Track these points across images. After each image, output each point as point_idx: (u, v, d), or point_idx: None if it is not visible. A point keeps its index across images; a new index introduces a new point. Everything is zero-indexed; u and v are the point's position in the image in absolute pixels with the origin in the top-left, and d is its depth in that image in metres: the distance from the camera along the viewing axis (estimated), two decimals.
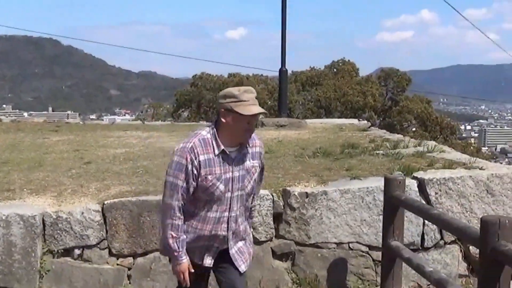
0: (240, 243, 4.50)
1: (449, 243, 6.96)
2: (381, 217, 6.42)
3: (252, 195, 4.58)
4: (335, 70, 34.10)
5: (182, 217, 4.22)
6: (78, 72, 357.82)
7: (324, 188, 6.74)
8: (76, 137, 12.12)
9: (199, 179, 4.13)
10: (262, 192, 6.59)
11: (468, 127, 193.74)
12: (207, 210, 4.25)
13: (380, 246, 6.35)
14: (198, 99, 31.05)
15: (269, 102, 28.37)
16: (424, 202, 6.71)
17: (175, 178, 4.15)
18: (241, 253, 4.50)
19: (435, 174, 7.15)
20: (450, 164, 7.70)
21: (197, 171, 4.10)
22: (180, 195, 4.16)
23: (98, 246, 6.41)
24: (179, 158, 4.15)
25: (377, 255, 6.55)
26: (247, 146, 4.29)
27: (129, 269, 6.45)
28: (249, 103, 4.05)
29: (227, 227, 4.31)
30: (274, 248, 6.65)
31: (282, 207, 6.66)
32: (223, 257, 4.44)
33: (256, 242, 6.54)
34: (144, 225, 6.41)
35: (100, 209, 6.44)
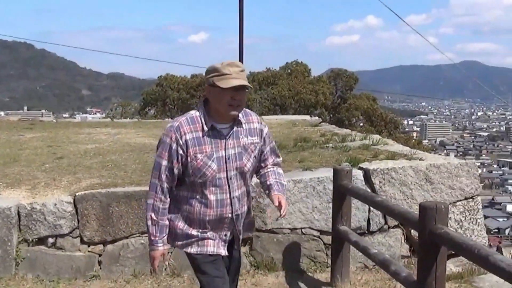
0: (244, 222, 4.06)
1: (392, 227, 7.04)
2: (330, 205, 6.48)
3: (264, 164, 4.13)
4: (289, 71, 34.18)
5: (165, 200, 3.81)
6: (51, 74, 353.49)
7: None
8: (50, 134, 12.00)
9: (189, 159, 3.70)
10: None
11: (410, 122, 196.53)
12: (206, 194, 3.77)
13: (330, 230, 6.40)
14: (163, 98, 30.88)
15: None
16: (369, 190, 6.78)
17: (159, 157, 3.78)
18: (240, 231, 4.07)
19: (379, 164, 7.23)
20: (393, 156, 7.79)
21: (183, 150, 3.69)
22: (164, 175, 3.76)
23: (71, 234, 6.36)
24: (164, 137, 3.78)
25: (328, 239, 6.61)
26: (242, 122, 3.85)
27: (100, 255, 6.42)
28: (231, 77, 3.62)
29: (231, 209, 3.85)
30: None
31: None
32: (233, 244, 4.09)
33: None
34: (113, 215, 6.38)
35: (72, 201, 6.40)
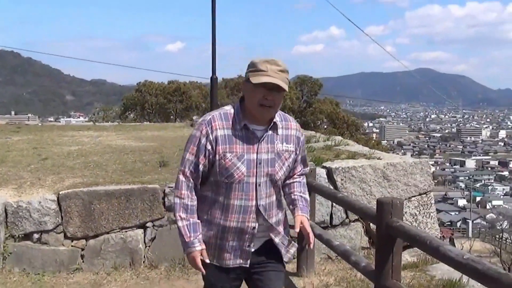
0: (276, 237, 3.33)
1: (353, 221, 7.13)
2: None
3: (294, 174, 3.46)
4: None
5: (193, 196, 3.22)
6: (37, 80, 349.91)
7: None
8: (35, 137, 11.89)
9: (217, 157, 3.12)
10: None
11: (371, 124, 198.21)
12: (230, 197, 3.16)
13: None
14: (142, 103, 30.71)
15: (204, 105, 28.26)
16: (332, 187, 6.84)
17: (186, 152, 3.22)
18: (282, 244, 3.38)
19: (341, 163, 7.33)
20: (353, 155, 7.89)
21: (212, 147, 3.13)
22: (189, 171, 3.19)
23: (55, 230, 6.29)
24: (195, 131, 3.23)
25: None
26: (278, 127, 3.23)
27: (82, 249, 6.36)
28: (265, 74, 3.03)
29: (256, 218, 3.18)
30: None
31: None
32: (259, 255, 3.32)
33: None
34: (94, 212, 6.33)
35: (55, 199, 6.33)
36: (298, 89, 34.08)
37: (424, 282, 5.83)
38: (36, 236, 6.28)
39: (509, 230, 40.70)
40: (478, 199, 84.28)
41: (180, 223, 3.17)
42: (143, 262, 6.43)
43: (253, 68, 3.10)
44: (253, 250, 3.25)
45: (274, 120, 3.18)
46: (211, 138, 3.12)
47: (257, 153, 3.14)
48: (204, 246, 3.18)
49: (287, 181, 3.46)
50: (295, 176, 3.48)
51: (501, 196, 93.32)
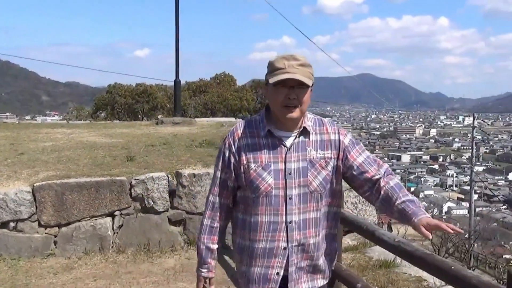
0: (307, 263, 2.59)
1: None
2: None
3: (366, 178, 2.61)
4: (218, 80, 34.15)
5: (217, 217, 2.66)
6: (15, 82, 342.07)
7: (207, 170, 6.77)
8: (12, 134, 11.60)
9: (242, 169, 2.55)
10: (159, 174, 6.57)
11: None
12: (258, 214, 2.53)
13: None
14: (112, 103, 30.34)
15: (168, 105, 28.08)
16: None
17: (215, 168, 2.69)
18: (305, 273, 2.61)
19: None
20: None
21: (235, 158, 2.57)
22: (217, 188, 2.65)
23: (30, 219, 6.19)
24: (221, 144, 2.70)
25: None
26: (310, 132, 2.57)
27: (55, 236, 6.27)
28: (284, 71, 2.44)
29: (287, 236, 2.51)
30: (170, 217, 6.63)
31: (176, 185, 6.65)
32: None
33: (156, 212, 6.54)
34: (66, 202, 6.25)
35: (30, 190, 6.22)
36: (253, 91, 34.13)
37: (363, 262, 5.93)
38: (12, 224, 6.15)
39: (439, 216, 41.59)
40: (412, 189, 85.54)
41: (198, 244, 2.71)
42: (112, 247, 6.39)
43: (270, 68, 2.53)
44: (291, 278, 2.56)
45: (304, 125, 2.56)
46: (234, 150, 2.57)
47: (285, 162, 2.51)
48: (212, 275, 2.70)
49: (374, 194, 2.61)
50: (377, 183, 2.60)
51: (432, 187, 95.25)
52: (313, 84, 2.51)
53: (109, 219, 6.40)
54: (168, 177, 6.63)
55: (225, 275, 5.71)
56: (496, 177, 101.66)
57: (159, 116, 17.11)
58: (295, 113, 2.48)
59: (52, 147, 9.15)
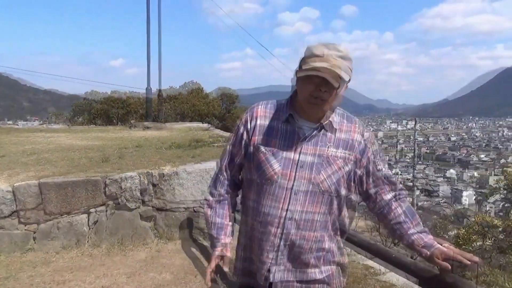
0: (300, 268, 2.15)
1: None
2: None
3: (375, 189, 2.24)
4: (187, 88, 34.06)
5: (224, 192, 2.30)
6: None
7: (176, 170, 6.73)
8: None
9: (251, 149, 2.17)
10: (131, 174, 6.50)
11: None
12: (259, 201, 2.14)
13: None
14: (89, 109, 29.96)
15: (141, 111, 27.81)
16: None
17: (228, 141, 2.35)
18: (291, 276, 2.16)
19: None
20: None
21: (248, 136, 2.20)
22: (226, 163, 2.30)
23: (10, 216, 6.02)
24: (238, 120, 2.32)
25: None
26: (334, 127, 2.15)
27: (34, 232, 6.12)
28: (321, 59, 1.97)
29: (282, 232, 2.09)
30: (141, 213, 6.56)
31: (146, 184, 6.59)
32: None
33: (128, 209, 6.46)
34: (44, 200, 6.11)
35: (11, 190, 6.05)
36: (219, 98, 34.16)
37: None
38: None
39: None
40: None
41: (205, 209, 2.35)
42: (87, 242, 6.28)
43: (307, 52, 2.05)
44: (279, 279, 2.15)
45: (330, 118, 2.13)
46: (249, 127, 2.20)
47: (299, 153, 2.09)
48: (227, 253, 2.25)
49: (387, 216, 2.25)
50: (389, 202, 2.25)
51: None
52: (349, 80, 2.06)
53: (85, 216, 6.30)
54: (139, 177, 6.56)
55: (192, 265, 5.70)
56: (436, 175, 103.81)
57: (132, 121, 16.94)
58: (323, 107, 2.07)
59: (32, 150, 8.96)
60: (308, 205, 2.07)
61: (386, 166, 2.26)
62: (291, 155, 2.09)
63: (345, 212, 2.21)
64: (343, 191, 2.13)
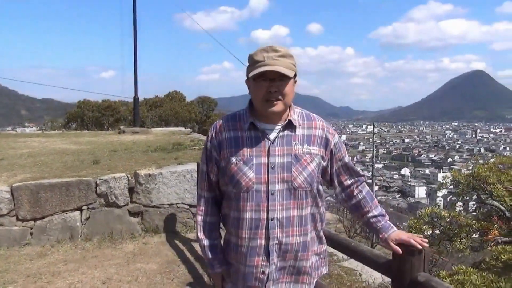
0: (290, 263, 2.07)
1: None
2: (196, 187, 6.46)
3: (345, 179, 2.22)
4: (170, 97, 33.83)
5: (212, 211, 2.17)
6: None
7: (160, 171, 6.68)
8: None
9: (223, 163, 2.06)
10: (120, 174, 6.43)
11: None
12: (240, 210, 2.03)
13: (195, 204, 6.40)
14: (82, 116, 29.53)
15: (129, 118, 27.52)
16: None
17: (201, 161, 2.21)
18: (289, 274, 2.09)
19: None
20: None
21: (217, 152, 2.08)
22: (205, 182, 2.17)
23: (9, 214, 5.89)
24: (206, 138, 2.19)
25: (194, 210, 6.60)
26: (296, 126, 2.06)
27: (31, 228, 6.00)
28: (262, 63, 1.93)
29: (268, 233, 2.00)
30: (130, 209, 6.49)
31: (134, 183, 6.52)
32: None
33: (117, 206, 6.38)
34: (41, 199, 5.99)
35: (9, 190, 5.93)
36: (199, 106, 34.02)
37: None
38: None
39: None
40: None
41: (200, 243, 2.20)
42: (80, 236, 6.18)
43: (250, 61, 2.01)
44: (275, 277, 2.06)
45: (290, 118, 2.05)
46: (215, 143, 2.09)
47: (268, 156, 2.00)
48: (224, 267, 2.18)
49: (348, 202, 2.26)
50: (351, 190, 2.24)
51: None
52: (295, 75, 2.01)
53: (77, 213, 6.20)
54: (127, 177, 6.49)
55: (175, 256, 5.66)
56: (392, 172, 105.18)
57: (121, 127, 16.73)
58: (278, 107, 1.99)
59: (29, 153, 8.79)
60: (286, 203, 2.00)
61: (347, 156, 2.21)
62: (261, 159, 2.00)
63: (322, 203, 2.16)
64: (315, 184, 2.07)
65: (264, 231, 2.00)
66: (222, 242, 2.21)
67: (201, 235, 2.17)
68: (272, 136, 2.03)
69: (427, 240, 2.11)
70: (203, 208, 2.17)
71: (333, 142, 2.13)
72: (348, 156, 2.21)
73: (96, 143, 10.74)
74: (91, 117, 29.37)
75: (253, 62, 1.97)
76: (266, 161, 1.99)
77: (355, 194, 2.21)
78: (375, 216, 2.19)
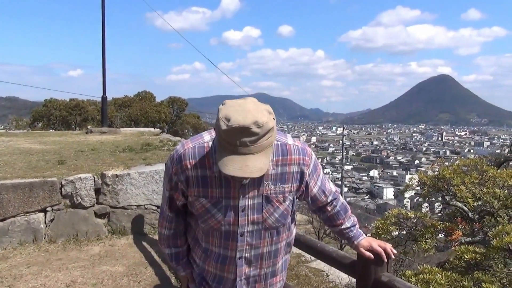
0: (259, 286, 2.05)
1: None
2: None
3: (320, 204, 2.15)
4: (140, 97, 33.43)
5: (172, 225, 2.08)
6: None
7: (128, 171, 6.58)
8: None
9: (190, 199, 1.94)
10: (86, 175, 6.30)
11: None
12: (209, 242, 1.98)
13: None
14: (48, 116, 28.87)
15: (98, 117, 27.07)
16: None
17: (163, 185, 2.05)
18: None
19: None
20: None
21: (184, 186, 1.92)
22: (167, 206, 2.05)
23: None
24: (168, 161, 1.99)
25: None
26: (275, 164, 1.89)
27: None
28: (231, 153, 1.68)
29: (235, 270, 1.97)
30: (96, 211, 6.37)
31: (101, 184, 6.40)
32: None
33: (83, 207, 6.25)
34: (3, 201, 5.78)
35: None
36: (170, 106, 33.72)
37: None
38: None
39: None
40: None
41: (165, 251, 2.19)
42: (44, 238, 6.03)
43: (219, 129, 1.70)
44: None
45: None
46: (182, 179, 1.91)
47: (238, 198, 1.87)
48: (189, 270, 2.17)
49: (322, 216, 2.21)
50: (325, 209, 2.17)
51: None
52: (273, 127, 1.78)
53: (41, 214, 6.03)
54: (94, 177, 6.36)
55: (143, 258, 5.58)
56: (361, 174, 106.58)
57: (89, 126, 16.42)
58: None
59: None
60: (256, 243, 1.93)
61: (320, 178, 2.07)
62: (231, 202, 1.87)
63: (293, 228, 2.13)
64: (289, 220, 2.00)
65: (232, 266, 1.96)
66: (193, 262, 2.16)
67: (163, 246, 2.15)
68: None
69: (396, 252, 2.18)
70: (167, 224, 2.09)
71: (308, 172, 1.98)
72: (323, 173, 2.10)
73: (63, 143, 10.50)
74: (58, 117, 28.77)
75: (222, 139, 1.71)
76: (236, 204, 1.87)
77: (329, 210, 2.16)
78: (347, 228, 2.20)
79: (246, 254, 1.93)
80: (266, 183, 1.88)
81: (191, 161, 1.87)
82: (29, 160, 7.60)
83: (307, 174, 1.97)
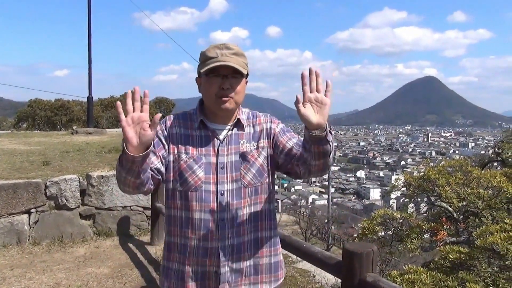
0: (246, 264, 1.96)
1: None
2: None
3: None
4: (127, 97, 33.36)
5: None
6: None
7: (114, 172, 6.54)
8: None
9: (171, 157, 1.94)
10: (71, 176, 6.23)
11: None
12: (189, 209, 1.93)
13: (150, 207, 6.29)
14: (33, 116, 28.58)
15: (84, 118, 26.86)
16: None
17: None
18: (246, 275, 1.98)
19: None
20: None
21: (167, 142, 1.94)
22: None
23: None
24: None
25: (149, 212, 6.49)
26: (244, 125, 2.02)
27: None
28: (216, 60, 1.88)
29: (218, 233, 1.90)
30: (81, 212, 6.31)
31: (86, 185, 6.34)
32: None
33: (68, 209, 6.18)
34: None
35: None
36: (157, 107, 33.57)
37: None
38: None
39: (305, 206, 43.03)
40: (285, 185, 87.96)
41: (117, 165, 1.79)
42: (28, 240, 5.95)
43: (202, 58, 1.94)
44: (230, 280, 1.94)
45: (238, 116, 2.01)
46: (165, 134, 1.95)
47: (217, 156, 1.94)
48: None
49: (305, 165, 1.89)
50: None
51: (300, 183, 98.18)
52: (247, 74, 1.99)
53: (25, 216, 5.96)
54: (79, 178, 6.30)
55: (128, 260, 5.54)
56: (348, 175, 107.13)
57: (74, 127, 16.28)
58: (230, 104, 1.92)
59: None
60: (236, 202, 1.92)
61: (295, 137, 2.05)
62: (211, 159, 1.93)
63: (273, 195, 2.07)
64: (267, 178, 2.00)
65: (213, 233, 1.90)
66: (164, 249, 2.07)
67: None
68: (221, 135, 1.97)
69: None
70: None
71: (277, 129, 2.05)
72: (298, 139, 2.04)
73: (47, 143, 10.39)
74: (43, 117, 28.51)
75: (205, 59, 1.91)
76: (216, 161, 1.93)
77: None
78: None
79: (228, 215, 1.91)
80: (242, 141, 1.99)
81: (175, 121, 2.00)
82: (13, 161, 7.51)
83: (277, 130, 2.04)
